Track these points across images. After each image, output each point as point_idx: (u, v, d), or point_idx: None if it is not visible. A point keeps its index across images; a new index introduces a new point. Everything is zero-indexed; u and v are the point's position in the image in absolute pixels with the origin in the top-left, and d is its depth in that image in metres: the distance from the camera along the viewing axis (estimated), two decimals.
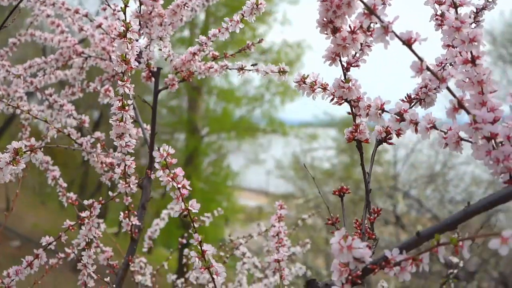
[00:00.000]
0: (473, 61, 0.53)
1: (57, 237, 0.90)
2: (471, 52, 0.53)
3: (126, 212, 0.95)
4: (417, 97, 0.67)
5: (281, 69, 0.82)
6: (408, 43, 0.50)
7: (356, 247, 0.49)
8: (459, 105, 0.50)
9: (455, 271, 1.04)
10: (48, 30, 1.36)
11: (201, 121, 11.43)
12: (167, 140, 11.69)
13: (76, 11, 1.07)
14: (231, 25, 0.88)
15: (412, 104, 0.68)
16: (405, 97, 0.68)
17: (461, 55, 0.55)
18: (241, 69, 0.93)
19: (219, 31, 0.90)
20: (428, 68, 0.49)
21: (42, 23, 1.36)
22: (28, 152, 0.64)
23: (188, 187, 0.61)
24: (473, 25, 0.70)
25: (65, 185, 1.08)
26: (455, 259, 1.07)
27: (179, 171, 0.61)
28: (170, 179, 0.60)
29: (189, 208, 0.62)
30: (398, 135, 0.66)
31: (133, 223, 0.95)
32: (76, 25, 1.11)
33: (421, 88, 0.67)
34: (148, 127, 1.09)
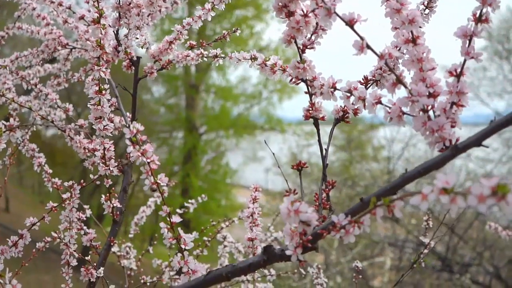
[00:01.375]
0: (413, 40, 0.57)
1: (40, 218, 0.94)
2: (411, 32, 0.57)
3: (108, 194, 0.99)
4: (373, 78, 0.71)
5: (253, 56, 0.87)
6: (350, 23, 0.54)
7: (303, 211, 0.53)
8: (398, 80, 0.55)
9: (425, 251, 1.09)
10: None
11: (199, 119, 11.48)
12: (166, 138, 11.74)
13: (60, 4, 1.11)
14: (203, 13, 0.93)
15: (369, 85, 0.72)
16: (362, 79, 0.72)
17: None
18: (215, 56, 0.98)
19: (193, 20, 0.94)
20: (368, 46, 0.54)
21: (31, 18, 1.40)
22: (7, 132, 0.68)
23: (157, 162, 0.66)
24: (427, 10, 0.75)
25: (50, 171, 1.12)
26: (425, 239, 1.12)
27: (148, 147, 0.65)
28: (140, 154, 0.65)
29: (158, 181, 0.66)
30: (355, 114, 0.70)
31: (115, 205, 1.00)
32: (60, 17, 1.15)
33: (376, 69, 0.71)
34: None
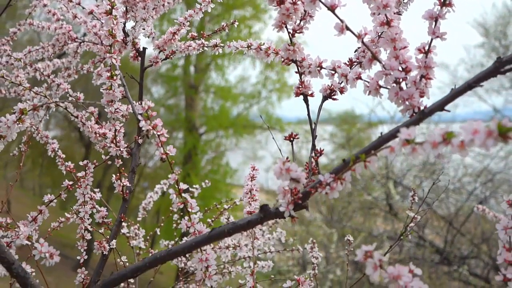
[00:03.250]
0: (388, 23, 0.66)
1: (57, 195, 1.03)
2: (385, 16, 0.66)
3: (118, 174, 1.08)
4: (357, 60, 0.80)
5: (249, 44, 0.95)
6: (332, 8, 0.63)
7: (293, 169, 0.62)
8: (373, 56, 0.63)
9: (411, 224, 1.17)
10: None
11: (199, 119, 11.55)
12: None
13: (70, 0, 1.20)
14: (204, 5, 1.02)
15: (354, 66, 0.81)
16: (347, 60, 0.81)
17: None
18: (215, 46, 1.06)
19: (194, 11, 1.03)
20: (347, 28, 0.63)
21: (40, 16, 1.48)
22: (31, 111, 0.76)
23: (166, 135, 0.74)
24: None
25: (63, 156, 1.21)
26: (410, 213, 1.20)
27: (158, 121, 0.74)
28: (151, 128, 0.73)
29: (167, 152, 0.75)
30: (341, 92, 0.79)
31: (124, 184, 1.08)
32: (70, 13, 1.24)
33: (360, 52, 0.80)
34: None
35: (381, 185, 6.35)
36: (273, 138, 1.08)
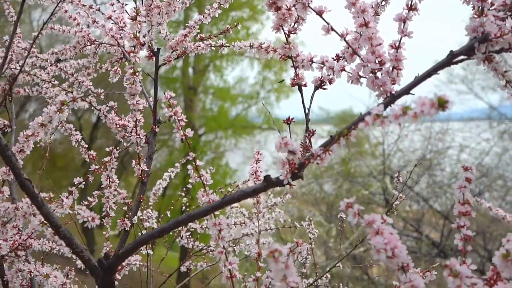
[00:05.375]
0: (366, 24, 0.81)
1: (86, 178, 1.18)
2: (364, 19, 0.81)
3: (137, 160, 1.23)
4: (342, 55, 0.95)
5: (251, 44, 1.10)
6: (320, 13, 0.78)
7: (290, 143, 0.77)
8: (353, 52, 0.79)
9: (396, 202, 1.32)
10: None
11: (198, 120, 11.70)
12: (165, 140, 11.97)
13: (90, 7, 1.35)
14: (212, 11, 1.17)
15: (340, 60, 0.95)
16: (335, 55, 0.96)
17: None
18: (221, 45, 1.21)
19: (203, 16, 1.18)
20: (332, 29, 0.78)
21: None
22: (71, 102, 0.91)
23: (185, 120, 0.89)
24: (383, 2, 0.98)
25: (86, 145, 1.36)
26: (395, 192, 1.35)
27: (179, 109, 0.89)
28: (173, 114, 0.88)
29: (186, 133, 0.90)
30: (330, 82, 0.94)
31: (143, 168, 1.23)
32: (90, 18, 1.39)
33: (345, 49, 0.95)
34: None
35: (377, 181, 6.51)
36: (278, 131, 1.23)
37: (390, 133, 7.66)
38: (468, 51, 0.71)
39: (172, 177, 1.75)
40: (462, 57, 0.73)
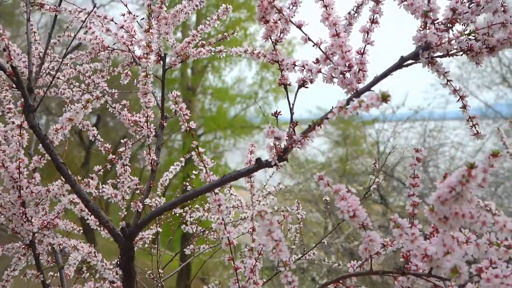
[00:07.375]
0: (337, 34, 1.00)
1: (104, 166, 1.36)
2: (335, 29, 1.00)
3: (148, 150, 1.41)
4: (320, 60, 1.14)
5: (246, 50, 1.29)
6: (299, 26, 0.97)
7: (276, 131, 0.96)
8: (326, 57, 0.97)
9: (373, 187, 1.51)
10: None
11: (197, 120, 11.88)
12: (165, 140, 12.16)
13: (105, 17, 1.54)
14: (212, 21, 1.36)
15: (318, 63, 1.14)
16: (315, 59, 1.15)
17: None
18: (220, 51, 1.40)
19: (204, 26, 1.37)
20: (309, 38, 0.96)
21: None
22: (95, 100, 1.10)
23: (189, 114, 1.08)
24: (355, 14, 1.17)
25: (102, 140, 1.54)
26: (372, 177, 1.54)
27: (183, 105, 1.08)
28: (178, 109, 1.07)
29: (190, 126, 1.08)
30: (311, 82, 1.13)
31: (153, 158, 1.42)
32: (104, 27, 1.57)
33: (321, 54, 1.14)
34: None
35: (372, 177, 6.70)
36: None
37: (384, 130, 7.86)
38: (414, 57, 0.90)
39: (178, 170, 1.94)
40: (410, 61, 0.92)
